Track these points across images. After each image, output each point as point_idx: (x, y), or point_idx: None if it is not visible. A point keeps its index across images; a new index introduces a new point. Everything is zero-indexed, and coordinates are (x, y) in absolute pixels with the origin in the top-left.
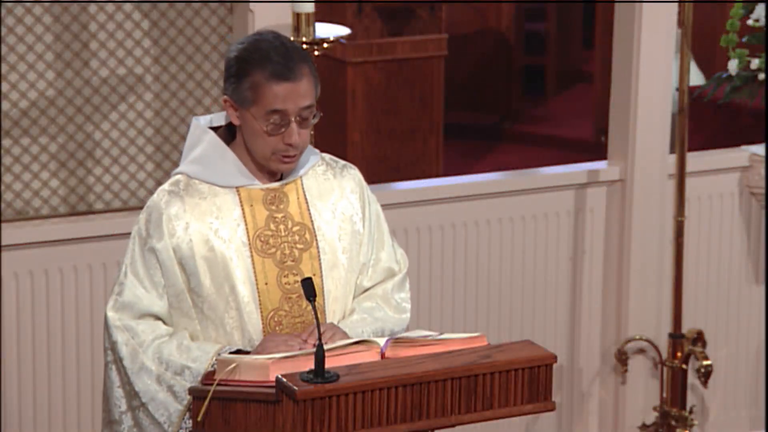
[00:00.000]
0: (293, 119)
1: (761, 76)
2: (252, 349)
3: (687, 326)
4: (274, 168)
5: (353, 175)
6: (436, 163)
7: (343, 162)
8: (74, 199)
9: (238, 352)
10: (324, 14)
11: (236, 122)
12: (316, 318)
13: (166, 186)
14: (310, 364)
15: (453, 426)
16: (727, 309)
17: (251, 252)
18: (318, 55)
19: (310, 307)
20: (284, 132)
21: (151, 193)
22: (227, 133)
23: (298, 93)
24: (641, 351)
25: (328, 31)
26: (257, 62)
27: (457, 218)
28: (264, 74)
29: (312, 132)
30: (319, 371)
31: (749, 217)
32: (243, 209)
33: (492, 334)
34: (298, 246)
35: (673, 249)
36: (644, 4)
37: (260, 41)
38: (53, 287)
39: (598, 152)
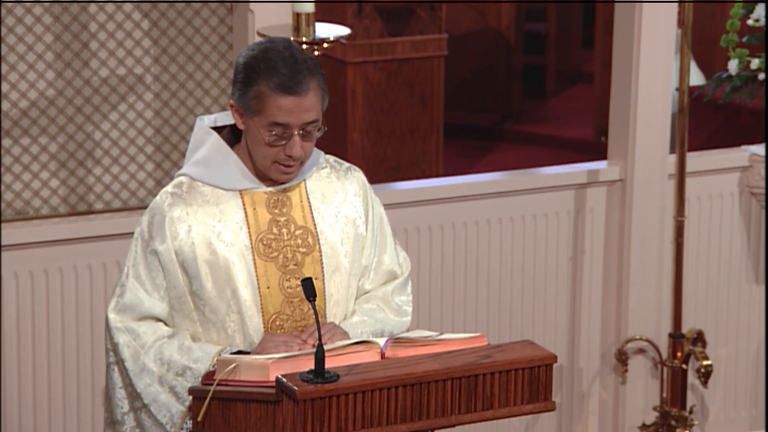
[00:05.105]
0: (296, 133)
1: (761, 76)
2: (252, 350)
3: (687, 326)
4: (273, 177)
5: (357, 177)
6: (436, 163)
7: (347, 164)
8: (74, 199)
9: (239, 352)
10: (324, 14)
11: (241, 127)
12: (317, 319)
13: (169, 188)
14: (310, 364)
15: (453, 426)
16: (727, 309)
17: (253, 255)
18: (318, 55)
19: (311, 311)
20: (285, 144)
21: (151, 193)
22: (231, 135)
23: (303, 107)
24: (641, 351)
25: (328, 31)
26: (264, 72)
27: (457, 218)
28: (269, 85)
29: None
30: (319, 371)
31: (749, 217)
32: (246, 212)
33: (492, 334)
34: (301, 250)
35: (673, 249)
36: (644, 4)
37: (270, 50)
38: (53, 287)
39: (598, 152)
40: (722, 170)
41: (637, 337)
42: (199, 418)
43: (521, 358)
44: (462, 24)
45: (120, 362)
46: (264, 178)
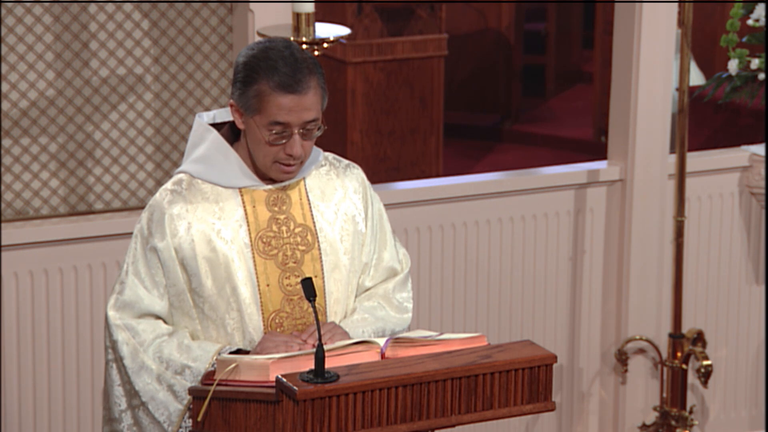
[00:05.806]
0: (296, 131)
1: (761, 76)
2: (252, 350)
3: (687, 326)
4: (273, 177)
5: (356, 174)
6: (436, 163)
7: (346, 161)
8: (74, 199)
9: (239, 351)
10: (324, 14)
11: (241, 127)
12: (316, 318)
13: (168, 185)
14: (310, 364)
15: (453, 426)
16: (727, 309)
17: (253, 253)
18: (318, 55)
19: (311, 309)
20: (286, 143)
21: (151, 193)
22: (231, 132)
23: (303, 106)
24: (641, 351)
25: (328, 31)
26: (264, 71)
27: (457, 218)
28: (270, 84)
29: None
30: (319, 371)
31: (749, 217)
32: (245, 210)
33: (492, 334)
34: (300, 247)
35: (673, 249)
36: (644, 4)
37: (270, 49)
38: (53, 287)
39: (598, 152)
40: (722, 170)
41: (637, 337)
42: (199, 419)
43: (521, 358)
44: (462, 24)
45: (118, 359)
46: (263, 176)
